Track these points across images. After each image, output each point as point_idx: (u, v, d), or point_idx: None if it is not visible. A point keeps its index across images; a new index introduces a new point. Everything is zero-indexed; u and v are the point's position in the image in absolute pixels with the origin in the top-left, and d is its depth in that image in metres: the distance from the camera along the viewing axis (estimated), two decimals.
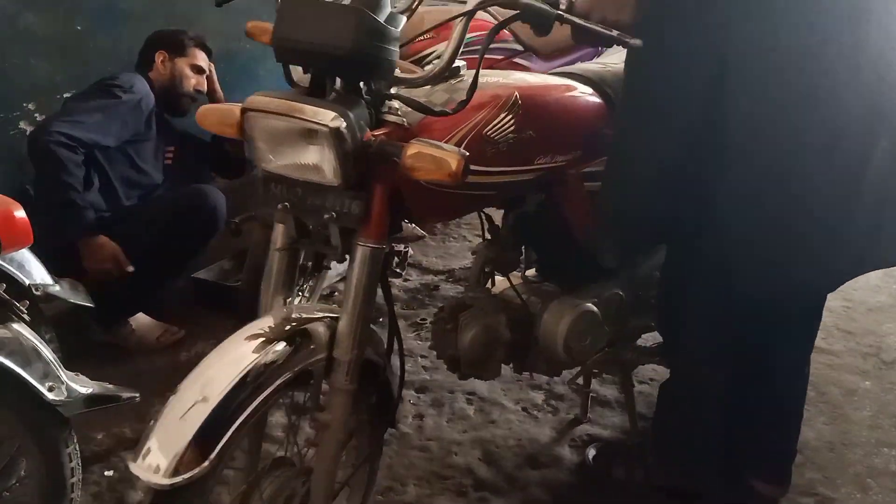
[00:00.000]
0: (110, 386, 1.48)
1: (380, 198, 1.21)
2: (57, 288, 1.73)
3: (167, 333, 2.55)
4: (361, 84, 1.20)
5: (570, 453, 1.99)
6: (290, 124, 1.15)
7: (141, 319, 2.52)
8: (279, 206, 1.22)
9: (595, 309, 1.73)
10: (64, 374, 1.38)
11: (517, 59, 2.62)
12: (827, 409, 2.16)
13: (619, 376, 1.92)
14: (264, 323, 1.19)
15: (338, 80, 1.20)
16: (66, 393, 1.37)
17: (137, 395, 1.54)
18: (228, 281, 2.87)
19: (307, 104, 1.14)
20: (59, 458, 1.40)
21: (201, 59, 2.77)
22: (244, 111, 1.18)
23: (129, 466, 1.03)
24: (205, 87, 2.79)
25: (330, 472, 1.29)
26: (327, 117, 1.12)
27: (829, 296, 1.68)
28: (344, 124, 1.12)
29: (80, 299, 1.83)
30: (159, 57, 2.67)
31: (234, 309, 2.35)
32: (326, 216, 1.20)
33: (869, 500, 1.85)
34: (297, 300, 1.32)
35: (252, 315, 2.23)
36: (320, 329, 1.21)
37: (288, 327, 1.18)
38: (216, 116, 1.24)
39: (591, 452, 1.97)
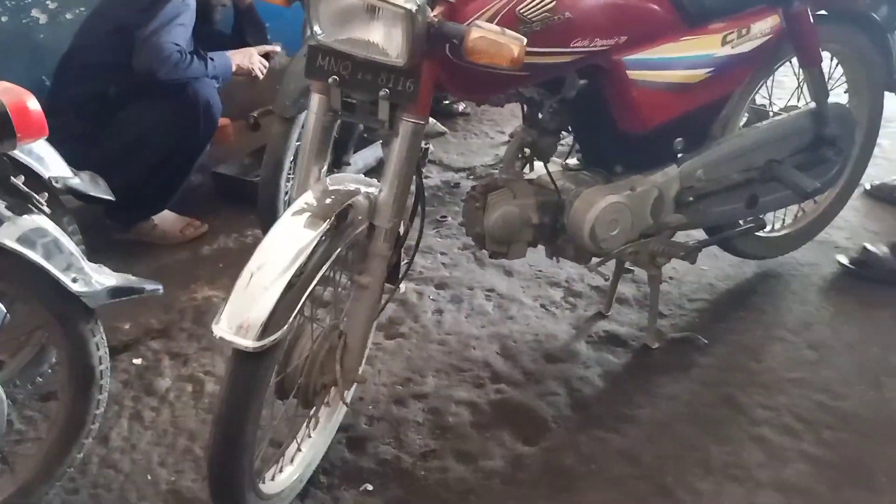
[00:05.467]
0: (133, 278, 1.49)
1: (427, 76, 1.25)
2: (77, 180, 1.73)
3: (190, 227, 2.58)
4: None
5: (586, 349, 2.01)
6: (363, 3, 1.17)
7: (165, 214, 2.54)
8: (329, 78, 1.24)
9: (626, 201, 1.72)
10: (87, 266, 1.40)
11: None
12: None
13: (649, 269, 1.92)
14: (312, 198, 1.24)
15: None
16: (89, 284, 1.39)
17: (161, 287, 1.56)
18: (248, 175, 2.87)
19: None
20: (87, 347, 1.44)
21: None
22: None
23: (212, 331, 1.10)
24: None
25: (366, 328, 1.41)
26: None
27: None
28: (417, 7, 1.14)
29: (101, 192, 1.83)
30: None
31: (254, 203, 2.36)
32: (381, 92, 1.23)
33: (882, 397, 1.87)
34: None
35: (272, 209, 2.26)
36: (362, 200, 1.27)
37: (335, 202, 1.23)
38: None
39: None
